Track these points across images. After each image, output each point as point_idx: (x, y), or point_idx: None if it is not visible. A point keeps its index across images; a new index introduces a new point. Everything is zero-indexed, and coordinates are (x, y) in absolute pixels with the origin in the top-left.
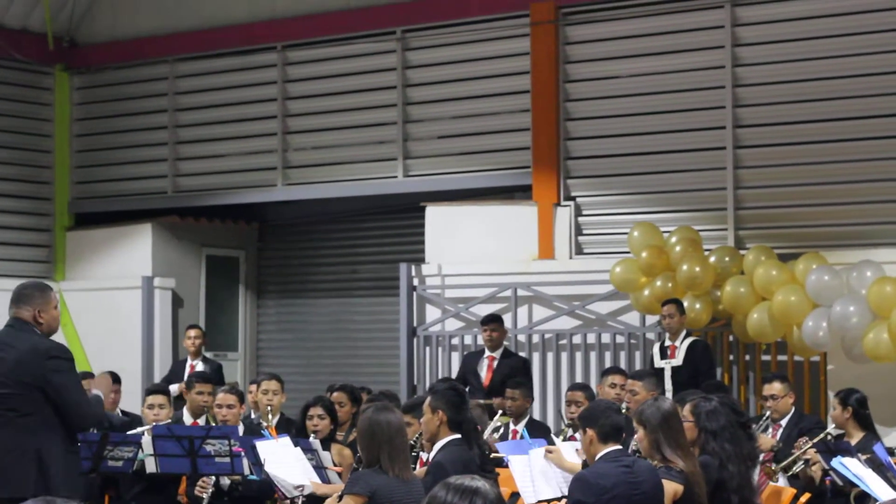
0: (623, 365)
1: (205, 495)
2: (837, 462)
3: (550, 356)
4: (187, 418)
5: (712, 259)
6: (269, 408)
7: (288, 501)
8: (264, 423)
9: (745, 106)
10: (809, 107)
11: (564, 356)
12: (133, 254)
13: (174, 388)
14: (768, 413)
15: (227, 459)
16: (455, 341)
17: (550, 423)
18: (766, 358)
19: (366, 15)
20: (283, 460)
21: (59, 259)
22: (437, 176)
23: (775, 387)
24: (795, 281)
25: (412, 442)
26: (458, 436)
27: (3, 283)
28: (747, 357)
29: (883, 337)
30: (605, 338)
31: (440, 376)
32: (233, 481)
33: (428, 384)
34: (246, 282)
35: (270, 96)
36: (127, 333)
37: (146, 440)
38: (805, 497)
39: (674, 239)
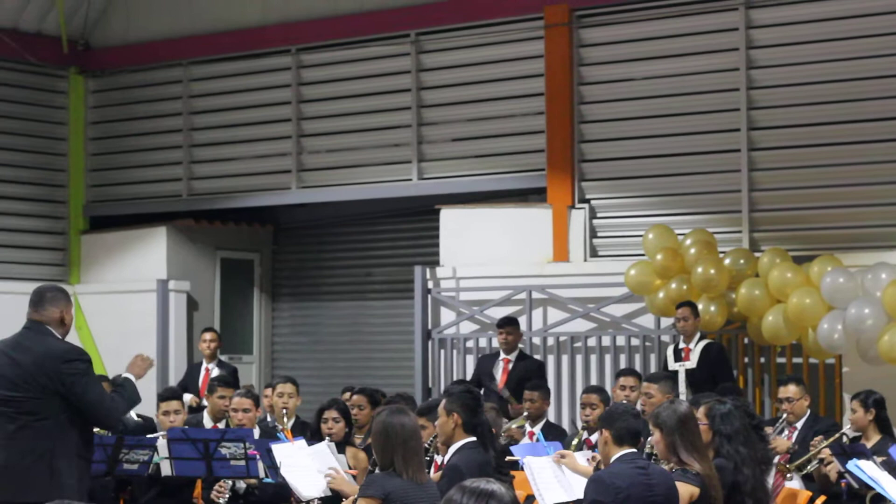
0: (638, 367)
1: (222, 500)
2: (853, 465)
3: (565, 359)
4: (207, 422)
5: (727, 261)
6: (284, 411)
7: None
8: (280, 426)
9: (760, 108)
10: (824, 109)
11: (579, 359)
12: (148, 257)
13: (187, 398)
14: (784, 415)
15: (243, 463)
16: (470, 344)
17: (565, 425)
18: (781, 360)
19: (380, 18)
20: (299, 463)
21: (74, 262)
22: (451, 178)
23: (790, 389)
24: (810, 283)
25: (427, 445)
26: (474, 438)
27: (18, 286)
28: (762, 359)
29: None
30: (620, 340)
31: (455, 379)
32: (249, 485)
33: (443, 387)
34: (261, 285)
35: (284, 99)
36: (142, 336)
37: (161, 443)
38: (821, 500)
39: (688, 241)
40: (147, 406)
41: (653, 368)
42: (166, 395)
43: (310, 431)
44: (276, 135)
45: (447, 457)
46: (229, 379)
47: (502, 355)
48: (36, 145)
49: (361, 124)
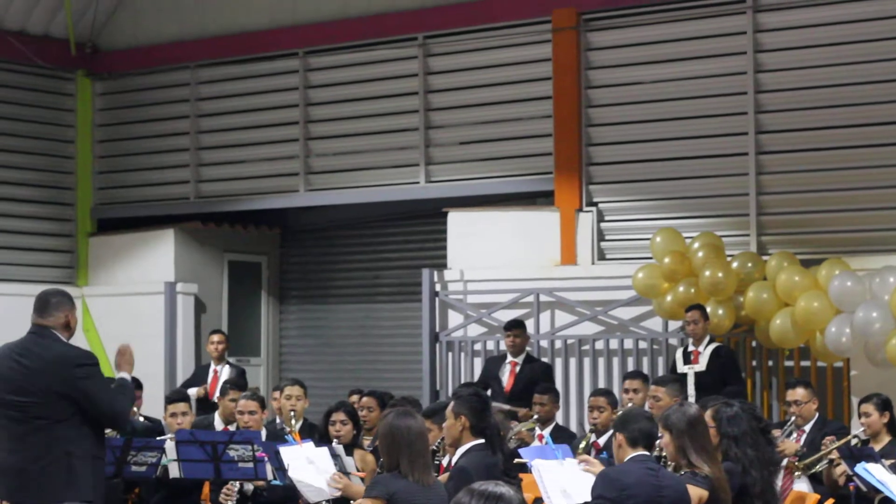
0: (645, 370)
1: (230, 503)
2: (861, 468)
3: (573, 362)
4: (218, 424)
5: (735, 265)
6: (292, 413)
7: None
8: (287, 429)
9: (768, 112)
10: (832, 112)
11: (587, 362)
12: (156, 259)
13: (193, 392)
14: (793, 418)
15: (251, 465)
16: (477, 347)
17: (573, 428)
18: (788, 364)
19: (387, 21)
20: (307, 465)
21: (82, 264)
22: (459, 181)
23: (799, 392)
24: (818, 287)
25: (434, 447)
26: (482, 441)
27: (26, 288)
28: (770, 363)
29: None
30: (628, 343)
31: (462, 382)
32: (257, 487)
33: (450, 389)
34: (268, 287)
35: (292, 102)
36: (149, 339)
37: (169, 445)
38: (829, 503)
39: (696, 245)
40: (155, 408)
41: (660, 371)
42: (174, 397)
43: (317, 434)
44: (284, 137)
45: (455, 459)
46: (241, 382)
47: (509, 358)
48: (44, 148)
49: (369, 127)
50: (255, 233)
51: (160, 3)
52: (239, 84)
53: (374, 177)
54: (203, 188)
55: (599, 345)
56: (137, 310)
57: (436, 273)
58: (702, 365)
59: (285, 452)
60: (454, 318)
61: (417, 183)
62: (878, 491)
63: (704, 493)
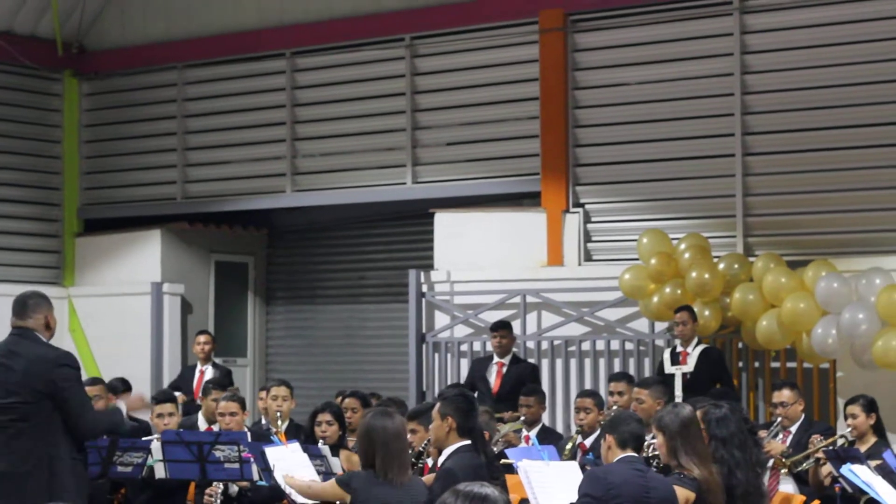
0: (632, 371)
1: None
2: (847, 469)
3: (559, 363)
4: (202, 423)
5: (721, 266)
6: (278, 414)
7: None
8: (274, 429)
9: (754, 113)
10: (818, 114)
11: (573, 363)
12: (142, 260)
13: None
14: (779, 419)
15: (237, 465)
16: (464, 348)
17: (559, 429)
18: (775, 365)
19: (374, 22)
20: (292, 466)
21: (69, 265)
22: (445, 182)
23: (785, 394)
24: (804, 288)
25: (420, 448)
26: (468, 442)
27: (12, 288)
28: (756, 364)
29: (892, 344)
30: (614, 344)
31: (449, 383)
32: (241, 488)
33: (437, 390)
34: (255, 288)
35: (279, 103)
36: (136, 339)
37: (155, 446)
38: None
39: (683, 246)
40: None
41: (647, 372)
42: (160, 398)
43: (304, 434)
44: (271, 138)
45: (441, 460)
46: (224, 381)
47: (496, 359)
48: (30, 148)
49: (356, 128)
50: (242, 233)
51: (147, 4)
52: (226, 84)
53: (360, 177)
54: (190, 188)
55: (586, 346)
56: (124, 310)
57: (422, 274)
58: (690, 366)
59: (271, 453)
60: (441, 319)
61: (404, 184)
62: (863, 492)
63: (691, 495)
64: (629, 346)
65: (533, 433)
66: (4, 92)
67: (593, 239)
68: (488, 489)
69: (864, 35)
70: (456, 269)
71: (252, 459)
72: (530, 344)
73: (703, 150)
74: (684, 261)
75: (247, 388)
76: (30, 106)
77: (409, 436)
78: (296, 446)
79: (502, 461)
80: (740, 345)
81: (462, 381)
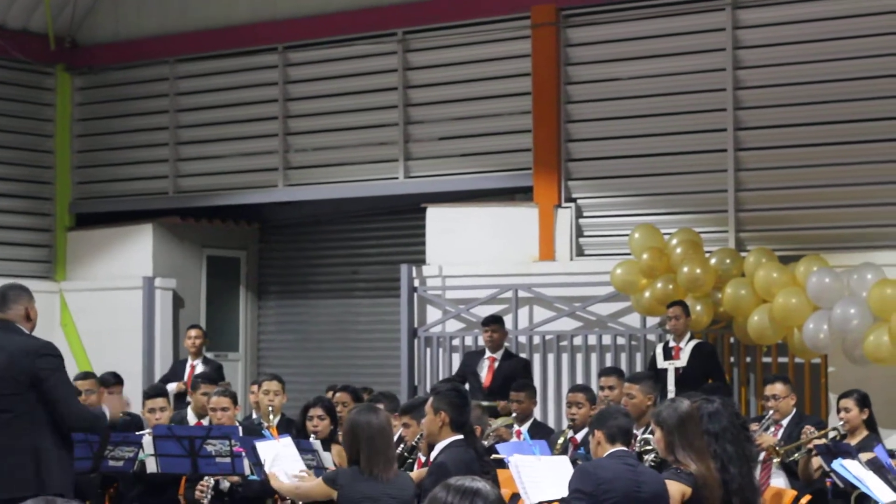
0: (623, 366)
1: (205, 501)
2: (838, 464)
3: (551, 357)
4: (191, 418)
5: (713, 261)
6: (270, 408)
7: (288, 502)
8: (265, 424)
9: (746, 108)
10: (810, 109)
11: (565, 357)
12: (134, 254)
13: (172, 387)
14: (770, 412)
15: (228, 460)
16: (456, 342)
17: (550, 424)
18: (766, 360)
19: (367, 16)
20: (283, 462)
21: (60, 259)
22: (437, 177)
23: (777, 387)
24: (796, 283)
25: (413, 443)
26: (461, 437)
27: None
28: (748, 359)
29: (883, 339)
30: (606, 339)
31: (441, 377)
32: (232, 483)
33: (429, 385)
34: (247, 282)
35: (271, 97)
36: (128, 334)
37: (147, 440)
38: (806, 499)
39: (674, 241)
40: (133, 403)
41: (638, 367)
42: (152, 392)
43: (295, 429)
44: (263, 133)
45: (433, 455)
46: (213, 376)
47: (488, 353)
48: (22, 142)
49: (348, 122)
50: (234, 228)
51: None
52: (218, 79)
53: (353, 172)
54: (182, 183)
55: (578, 341)
56: (115, 305)
57: (414, 269)
58: (683, 361)
59: (262, 448)
60: (432, 314)
61: (396, 178)
62: (854, 487)
63: (687, 490)
64: (621, 340)
65: (524, 428)
66: None
67: (585, 234)
68: (480, 483)
69: (856, 31)
70: (448, 263)
71: (243, 454)
72: (522, 339)
73: (695, 146)
74: (676, 256)
75: (238, 382)
76: (22, 100)
77: (401, 430)
78: (287, 441)
79: (493, 456)
80: (732, 340)
81: (454, 375)
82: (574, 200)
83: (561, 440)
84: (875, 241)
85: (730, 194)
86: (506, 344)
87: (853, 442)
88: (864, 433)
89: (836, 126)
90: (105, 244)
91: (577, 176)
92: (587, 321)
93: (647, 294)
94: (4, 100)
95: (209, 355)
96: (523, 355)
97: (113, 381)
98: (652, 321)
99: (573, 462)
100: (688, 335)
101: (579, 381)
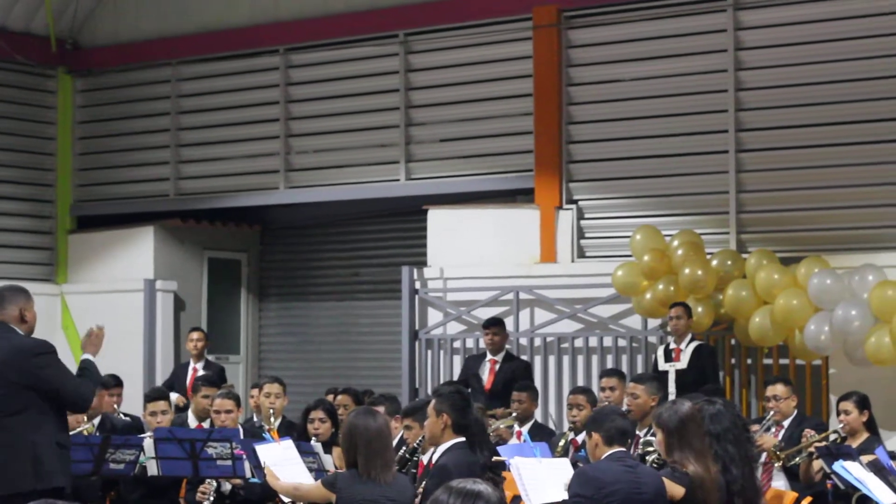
0: (624, 368)
1: (207, 502)
2: (839, 466)
3: (552, 359)
4: (192, 421)
5: (714, 262)
6: (271, 411)
7: (288, 502)
8: (266, 427)
9: (748, 110)
10: (812, 110)
11: (566, 359)
12: (135, 256)
13: (173, 398)
14: (771, 413)
15: (229, 462)
16: (457, 344)
17: (551, 426)
18: (767, 362)
19: (368, 18)
20: (284, 463)
21: (62, 261)
22: (439, 179)
23: (778, 388)
24: (797, 285)
25: (415, 445)
26: (463, 439)
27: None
28: (749, 361)
29: (885, 341)
30: (607, 341)
31: (442, 380)
32: (234, 485)
33: (430, 387)
34: (248, 284)
35: (273, 99)
36: (129, 336)
37: (148, 443)
38: (807, 501)
39: (676, 242)
40: (134, 406)
41: (639, 369)
42: (153, 395)
43: (296, 432)
44: (264, 135)
45: (436, 457)
46: (214, 378)
47: (489, 356)
48: (24, 144)
49: (349, 124)
50: (235, 230)
51: (140, 1)
52: (220, 81)
53: (354, 174)
54: (183, 185)
55: (579, 343)
56: (117, 307)
57: (415, 271)
58: (683, 363)
59: (262, 450)
60: (434, 316)
61: (398, 180)
62: (855, 488)
63: (679, 490)
64: (622, 342)
65: (525, 429)
66: None
67: (586, 235)
68: (481, 486)
69: (858, 32)
70: (449, 265)
71: (244, 457)
72: (523, 341)
73: (697, 147)
74: (677, 257)
75: (240, 385)
76: (23, 102)
77: (403, 432)
78: (288, 443)
79: (494, 458)
80: (733, 341)
81: (455, 377)
82: (575, 202)
83: (562, 442)
84: (876, 242)
85: (731, 196)
86: (507, 346)
87: (854, 444)
88: (865, 435)
89: (838, 127)
90: (106, 246)
91: (579, 177)
92: (588, 323)
93: (648, 296)
94: (5, 102)
95: (210, 358)
96: (524, 357)
97: (113, 383)
98: (653, 323)
99: (574, 464)
100: (688, 337)
101: (580, 383)
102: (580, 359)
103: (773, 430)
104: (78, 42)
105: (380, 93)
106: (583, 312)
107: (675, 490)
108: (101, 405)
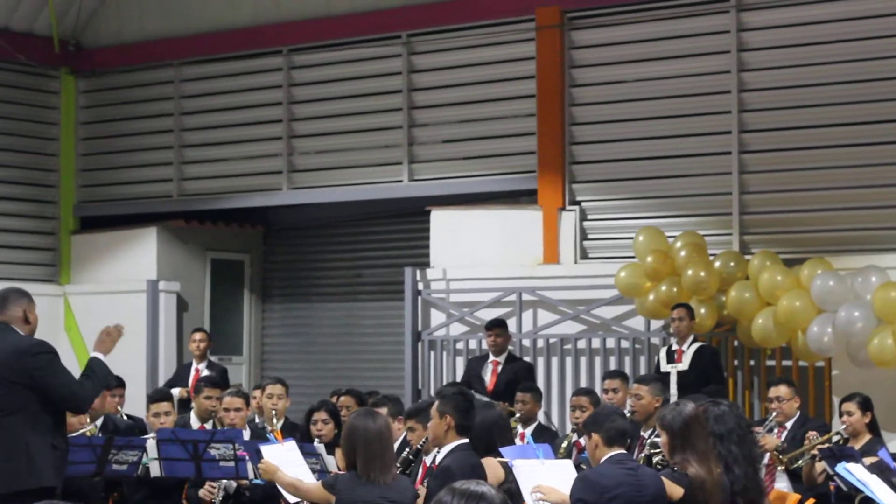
0: (627, 370)
1: (216, 501)
2: (842, 468)
3: (555, 361)
4: (194, 422)
5: (717, 264)
6: (273, 412)
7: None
8: (269, 427)
9: (751, 111)
10: (815, 112)
11: (569, 361)
12: (138, 257)
13: (175, 392)
14: (774, 414)
15: (232, 463)
16: (460, 346)
17: (555, 427)
18: (770, 363)
19: (371, 19)
20: (287, 464)
21: (65, 262)
22: (442, 180)
23: (781, 390)
24: (800, 286)
25: (419, 447)
26: (466, 440)
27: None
28: (752, 362)
29: (888, 342)
30: (610, 342)
31: (445, 381)
32: (239, 485)
33: (433, 388)
34: (251, 285)
35: (276, 100)
36: (132, 337)
37: (151, 444)
38: (810, 502)
39: (679, 244)
40: (137, 407)
41: (642, 370)
42: (156, 396)
43: (299, 433)
44: (267, 136)
45: (439, 458)
46: (217, 379)
47: (491, 357)
48: (27, 145)
49: (352, 125)
50: (238, 231)
51: (143, 1)
52: (222, 82)
53: (357, 175)
54: (186, 186)
55: (582, 344)
56: (120, 308)
57: (418, 272)
58: (685, 364)
59: (266, 451)
60: (436, 317)
61: (401, 181)
62: (858, 490)
63: (678, 491)
64: (625, 344)
65: (528, 431)
66: (1, 89)
67: (589, 237)
68: (485, 487)
69: (860, 33)
70: (452, 266)
71: (247, 458)
72: (526, 342)
73: (700, 148)
74: (680, 259)
75: (242, 386)
76: (26, 103)
77: (407, 434)
78: (292, 444)
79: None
80: (736, 343)
81: (458, 378)
82: (578, 203)
83: (565, 444)
84: (879, 243)
85: (734, 197)
86: (510, 347)
87: (857, 446)
88: (868, 437)
89: (841, 129)
90: (109, 247)
91: (582, 179)
92: (591, 324)
93: (651, 297)
94: (9, 103)
95: (213, 359)
96: (527, 359)
97: (115, 384)
98: (656, 324)
99: (577, 466)
100: (690, 338)
101: (583, 384)
102: (583, 360)
103: (776, 431)
104: (81, 43)
105: (383, 94)
106: (586, 314)
107: (675, 490)
108: (104, 406)
